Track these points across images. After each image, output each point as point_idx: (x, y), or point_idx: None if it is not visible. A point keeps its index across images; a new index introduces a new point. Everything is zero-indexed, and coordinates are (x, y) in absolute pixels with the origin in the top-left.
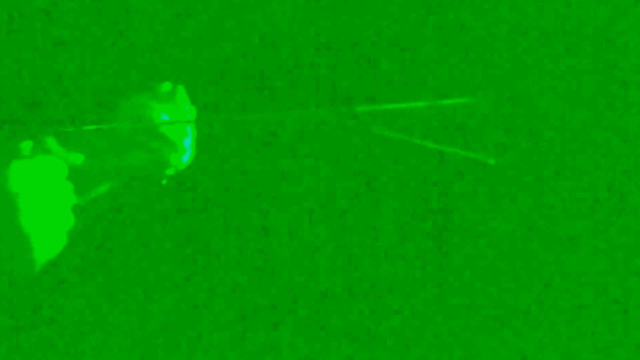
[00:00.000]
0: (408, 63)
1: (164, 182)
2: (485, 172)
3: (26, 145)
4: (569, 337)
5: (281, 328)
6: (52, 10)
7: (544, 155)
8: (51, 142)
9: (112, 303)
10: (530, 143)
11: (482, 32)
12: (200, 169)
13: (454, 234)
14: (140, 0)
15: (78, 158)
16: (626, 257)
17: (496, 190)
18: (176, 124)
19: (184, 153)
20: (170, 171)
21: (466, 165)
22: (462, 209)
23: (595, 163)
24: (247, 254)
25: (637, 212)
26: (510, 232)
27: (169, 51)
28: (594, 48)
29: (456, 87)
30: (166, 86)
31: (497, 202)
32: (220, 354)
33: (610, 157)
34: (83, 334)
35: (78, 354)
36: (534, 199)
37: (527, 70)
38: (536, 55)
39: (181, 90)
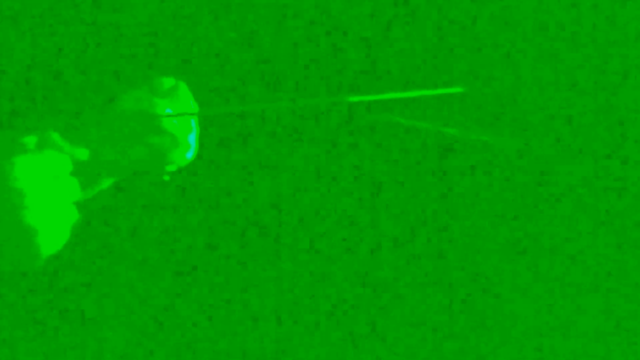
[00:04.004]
0: (401, 53)
1: (167, 178)
2: (493, 156)
3: (30, 140)
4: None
5: (284, 325)
6: (54, 3)
7: (537, 142)
8: (56, 137)
9: (115, 298)
10: (521, 133)
11: (474, 22)
12: (203, 164)
13: (464, 222)
14: None
15: (83, 153)
16: (634, 241)
17: (503, 173)
18: (180, 120)
19: (188, 149)
20: (173, 167)
21: (477, 149)
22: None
23: (595, 150)
24: (251, 250)
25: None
26: (519, 215)
27: (171, 46)
28: (586, 36)
29: (445, 77)
30: (169, 82)
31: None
32: (223, 350)
33: (609, 147)
34: (85, 329)
35: (80, 348)
36: (534, 184)
37: (516, 60)
38: (526, 46)
39: (183, 86)
